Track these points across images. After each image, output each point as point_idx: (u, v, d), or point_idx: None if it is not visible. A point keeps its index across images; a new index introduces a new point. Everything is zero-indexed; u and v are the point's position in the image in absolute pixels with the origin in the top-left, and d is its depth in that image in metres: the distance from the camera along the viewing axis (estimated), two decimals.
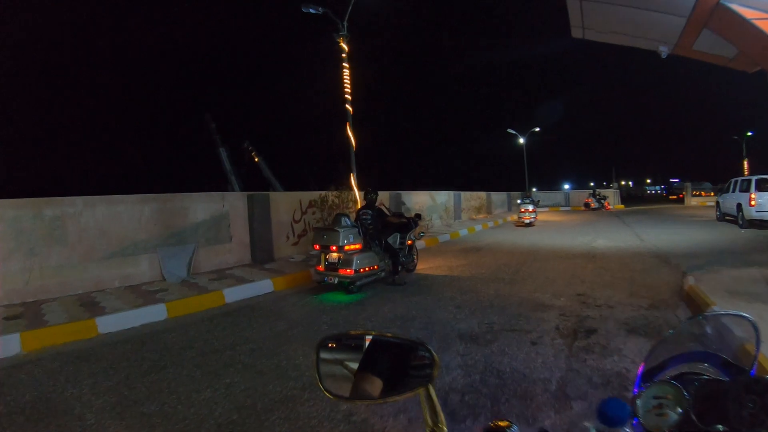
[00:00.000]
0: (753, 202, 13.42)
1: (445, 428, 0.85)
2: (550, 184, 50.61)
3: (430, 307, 5.97)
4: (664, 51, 6.57)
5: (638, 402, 0.96)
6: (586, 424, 0.96)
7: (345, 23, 10.55)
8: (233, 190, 21.78)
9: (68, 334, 5.25)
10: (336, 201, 10.99)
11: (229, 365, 4.12)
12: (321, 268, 7.19)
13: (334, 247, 6.91)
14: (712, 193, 29.49)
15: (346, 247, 6.92)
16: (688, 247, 10.52)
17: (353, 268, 6.77)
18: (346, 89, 10.49)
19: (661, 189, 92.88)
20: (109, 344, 4.97)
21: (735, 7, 5.91)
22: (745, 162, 40.80)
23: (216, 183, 23.78)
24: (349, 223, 7.21)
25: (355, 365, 1.00)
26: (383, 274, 7.52)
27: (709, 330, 1.25)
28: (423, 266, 9.15)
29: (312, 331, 5.13)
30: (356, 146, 10.79)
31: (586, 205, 31.02)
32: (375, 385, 0.95)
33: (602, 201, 30.36)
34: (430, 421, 0.86)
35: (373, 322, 5.41)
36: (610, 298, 6.07)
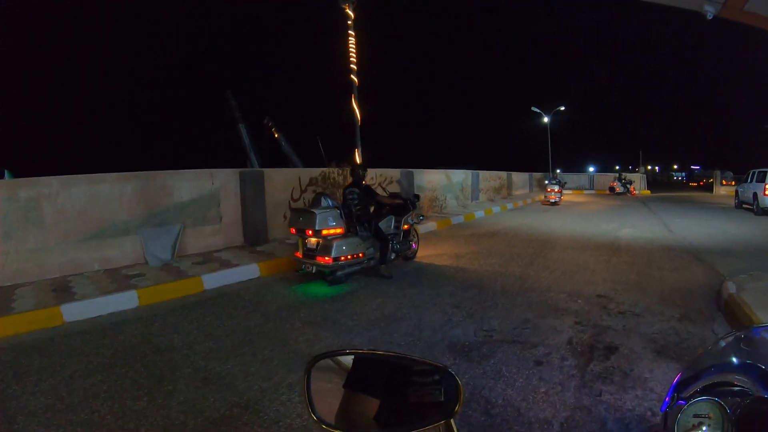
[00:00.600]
0: (767, 192, 15.34)
1: None
2: (574, 165, 48.64)
3: (423, 305, 5.27)
4: (710, 11, 5.57)
5: (677, 420, 0.90)
6: None
7: None
8: (252, 167, 21.36)
9: (32, 323, 4.95)
10: (339, 179, 10.21)
11: (178, 368, 3.71)
12: (299, 254, 6.43)
13: (310, 231, 6.11)
14: (733, 182, 28.63)
15: (324, 232, 6.07)
16: (723, 243, 9.60)
17: (332, 255, 5.96)
18: (351, 59, 9.69)
19: (682, 176, 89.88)
20: (69, 335, 4.65)
21: None
22: None
23: (236, 159, 23.59)
24: (330, 203, 6.34)
25: (352, 389, 0.86)
26: (372, 262, 6.67)
27: (751, 341, 1.21)
28: (427, 253, 8.43)
29: (284, 329, 4.57)
30: (368, 121, 10.08)
31: (611, 189, 29.95)
32: (375, 415, 0.82)
33: (628, 186, 29.38)
34: None
35: (354, 321, 4.76)
36: (635, 303, 5.24)
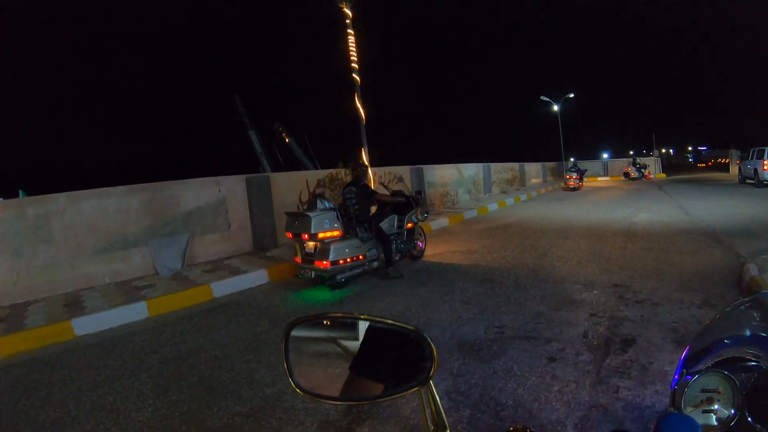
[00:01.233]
0: (765, 167, 17.92)
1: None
2: (587, 152, 47.84)
3: (432, 303, 5.14)
4: None
5: (684, 395, 0.87)
6: None
7: None
8: (263, 172, 21.44)
9: (43, 338, 5.01)
10: (347, 179, 10.07)
11: (184, 377, 3.69)
12: (298, 259, 6.24)
13: (306, 235, 5.91)
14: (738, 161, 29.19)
15: (321, 235, 5.86)
16: (741, 223, 9.29)
17: (330, 259, 5.75)
18: (352, 58, 9.58)
19: (690, 157, 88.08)
20: (80, 348, 4.70)
21: None
22: None
23: (249, 165, 23.63)
24: (326, 205, 6.10)
25: (332, 355, 0.85)
26: (375, 264, 6.44)
27: (763, 308, 1.16)
28: (439, 249, 8.28)
29: None
30: (375, 119, 9.94)
31: (626, 174, 29.51)
32: (355, 382, 0.81)
33: (642, 170, 28.94)
34: (431, 425, 0.76)
35: None
36: (654, 290, 5.04)
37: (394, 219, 6.94)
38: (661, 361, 3.27)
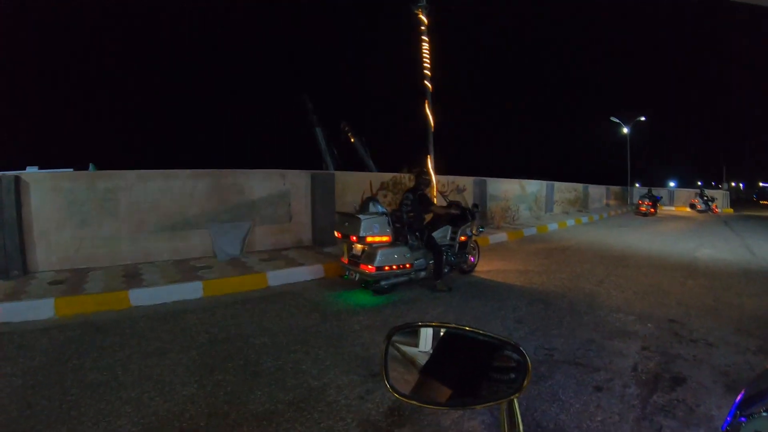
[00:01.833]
0: None
1: None
2: (653, 179, 45.60)
3: (484, 317, 5.07)
4: None
5: None
6: None
7: None
8: (327, 170, 21.89)
9: (100, 304, 5.33)
10: (410, 184, 9.93)
11: (231, 359, 3.82)
12: (345, 260, 6.14)
13: (354, 238, 5.76)
14: None
15: (369, 239, 5.72)
16: None
17: (375, 264, 5.59)
18: (425, 65, 9.62)
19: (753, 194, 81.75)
20: (134, 318, 4.94)
21: None
22: None
23: (312, 161, 24.17)
24: (379, 209, 5.95)
25: (428, 362, 0.90)
26: (422, 274, 6.25)
27: None
28: (494, 265, 8.13)
29: (341, 331, 4.56)
30: (441, 127, 9.95)
31: (692, 206, 27.81)
32: (443, 389, 0.85)
33: (710, 203, 27.13)
34: None
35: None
36: (710, 330, 4.76)
37: (448, 230, 6.78)
38: (709, 405, 3.10)
